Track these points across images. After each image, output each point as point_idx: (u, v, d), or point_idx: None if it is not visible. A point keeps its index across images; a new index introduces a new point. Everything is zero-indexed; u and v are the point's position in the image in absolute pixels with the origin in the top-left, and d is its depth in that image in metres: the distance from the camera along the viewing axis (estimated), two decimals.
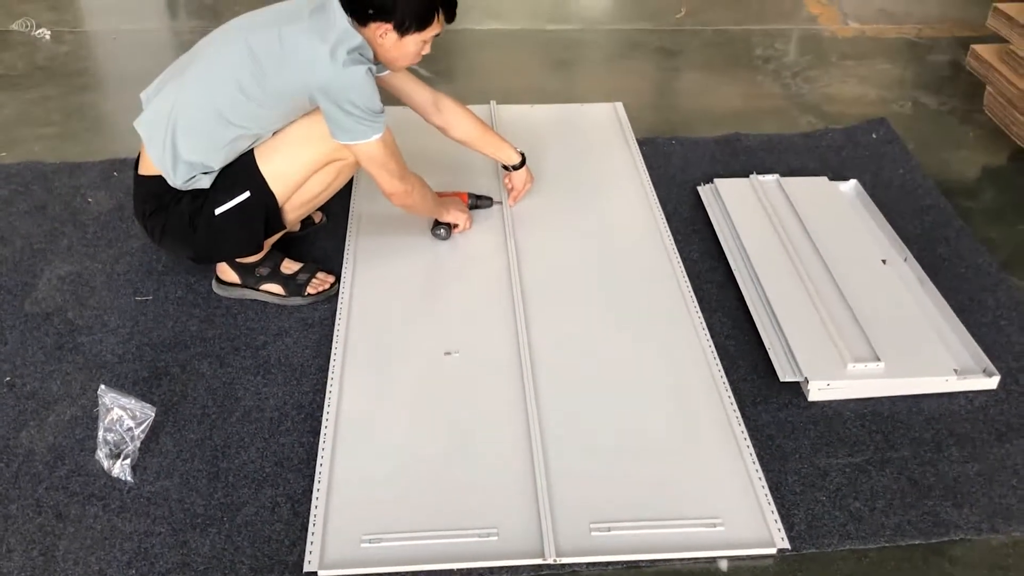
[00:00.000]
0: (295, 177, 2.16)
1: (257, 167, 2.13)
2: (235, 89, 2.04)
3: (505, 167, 2.65)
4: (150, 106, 2.15)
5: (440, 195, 2.50)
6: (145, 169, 2.17)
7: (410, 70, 2.38)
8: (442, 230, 2.52)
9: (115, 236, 2.57)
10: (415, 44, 2.10)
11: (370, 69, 2.03)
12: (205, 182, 2.13)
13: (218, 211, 2.13)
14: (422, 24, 2.06)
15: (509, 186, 2.68)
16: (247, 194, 2.13)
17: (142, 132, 2.15)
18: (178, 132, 2.09)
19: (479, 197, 2.66)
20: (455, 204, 2.54)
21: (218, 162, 2.12)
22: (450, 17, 2.12)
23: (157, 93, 2.16)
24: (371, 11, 2.02)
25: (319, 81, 2.00)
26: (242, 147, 2.13)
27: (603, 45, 3.90)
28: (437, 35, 2.13)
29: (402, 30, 2.05)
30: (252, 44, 2.04)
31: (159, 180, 2.14)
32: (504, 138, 2.59)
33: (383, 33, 2.05)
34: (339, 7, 2.03)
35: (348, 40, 2.01)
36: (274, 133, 2.15)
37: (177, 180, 2.12)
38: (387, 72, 2.32)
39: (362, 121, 2.06)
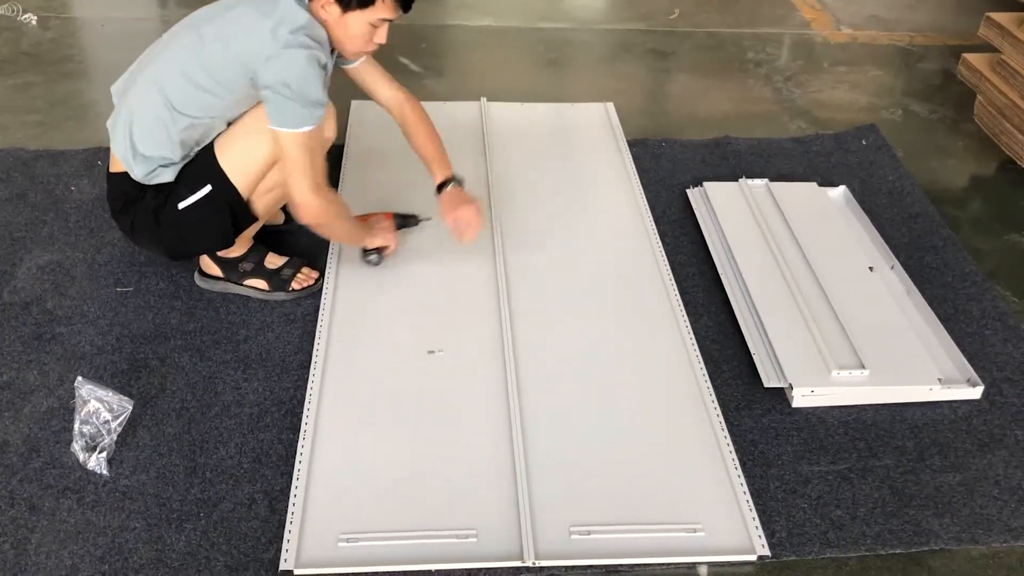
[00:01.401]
0: (254, 168, 2.10)
1: (216, 160, 2.09)
2: (183, 78, 2.01)
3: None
4: (118, 99, 2.14)
5: (362, 218, 2.40)
6: (114, 166, 2.15)
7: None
8: (373, 256, 2.39)
9: (97, 226, 2.54)
10: (360, 25, 2.01)
11: (316, 57, 1.94)
12: (166, 175, 2.10)
13: (181, 205, 2.10)
14: (364, 1, 1.97)
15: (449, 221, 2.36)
16: (208, 187, 2.09)
17: (108, 127, 2.14)
18: (134, 126, 2.07)
19: (406, 217, 2.52)
20: (381, 226, 2.40)
21: (176, 154, 2.08)
22: (403, 4, 2.01)
23: (123, 87, 2.14)
24: None
25: (257, 60, 1.93)
26: (197, 137, 2.09)
27: (595, 45, 3.89)
28: (389, 21, 2.04)
29: (344, 5, 1.97)
30: (201, 31, 2.01)
31: (125, 176, 2.12)
32: (446, 157, 2.40)
33: (324, 5, 1.97)
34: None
35: (291, 19, 1.92)
36: (230, 123, 2.10)
37: (138, 174, 2.09)
38: (354, 64, 2.28)
39: (292, 106, 1.95)
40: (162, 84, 2.03)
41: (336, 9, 1.98)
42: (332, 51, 2.09)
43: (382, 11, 2.00)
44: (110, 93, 2.17)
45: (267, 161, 2.10)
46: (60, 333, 2.19)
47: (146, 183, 2.11)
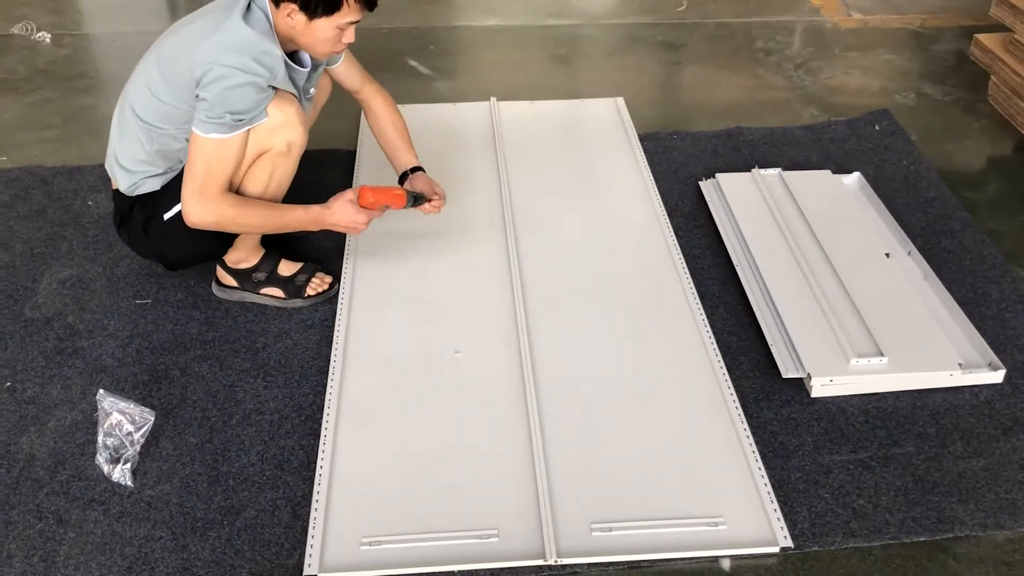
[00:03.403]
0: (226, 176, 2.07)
1: None
2: (146, 89, 2.05)
3: (402, 175, 2.39)
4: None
5: (369, 191, 2.17)
6: (113, 182, 2.23)
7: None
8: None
9: (115, 239, 2.56)
10: (327, 30, 1.99)
11: (253, 82, 1.94)
12: (150, 185, 2.15)
13: (166, 216, 2.14)
14: (330, 8, 1.95)
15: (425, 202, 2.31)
16: None
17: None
18: (114, 138, 2.14)
19: (417, 196, 2.27)
20: (338, 205, 2.15)
21: (159, 165, 2.12)
22: (368, 4, 2.00)
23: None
24: None
25: (198, 69, 1.93)
26: (172, 148, 2.11)
27: (603, 40, 3.88)
28: (355, 22, 2.02)
29: (309, 12, 1.95)
30: (163, 45, 2.06)
31: (118, 191, 2.20)
32: (411, 146, 2.42)
33: (290, 13, 1.97)
34: (260, 1, 1.98)
35: (236, 38, 1.93)
36: None
37: (122, 186, 2.16)
38: (336, 64, 2.32)
39: (207, 110, 1.95)
40: (131, 96, 2.10)
41: (302, 17, 1.97)
42: (303, 57, 2.12)
43: (348, 15, 1.98)
44: None
45: (238, 168, 2.08)
46: (81, 347, 2.22)
47: (131, 195, 2.16)
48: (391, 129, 2.42)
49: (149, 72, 2.06)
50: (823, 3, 4.15)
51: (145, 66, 2.10)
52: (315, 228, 2.20)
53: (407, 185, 2.34)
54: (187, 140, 2.06)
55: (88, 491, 1.87)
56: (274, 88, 2.03)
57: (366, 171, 2.82)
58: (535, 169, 2.85)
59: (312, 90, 2.25)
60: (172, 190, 2.12)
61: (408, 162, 2.40)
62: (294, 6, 1.95)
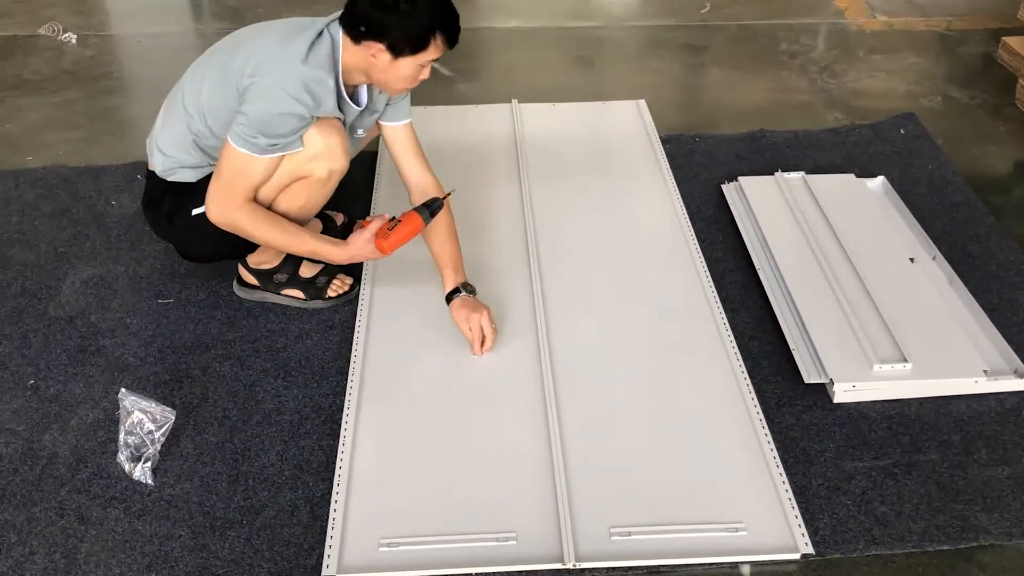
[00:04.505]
0: (264, 193, 2.07)
1: None
2: (200, 81, 2.08)
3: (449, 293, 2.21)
4: None
5: (389, 227, 2.11)
6: (149, 162, 2.24)
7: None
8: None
9: (138, 239, 2.59)
10: (411, 68, 1.97)
11: (297, 113, 1.94)
12: (184, 175, 2.16)
13: (194, 212, 2.15)
14: (416, 48, 1.94)
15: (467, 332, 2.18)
16: None
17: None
18: (160, 121, 2.18)
19: (430, 206, 2.14)
20: (352, 242, 2.12)
21: (192, 156, 2.14)
22: (451, 42, 1.98)
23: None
24: (363, 28, 1.92)
25: (249, 69, 1.95)
26: (209, 143, 2.11)
27: (626, 42, 3.87)
28: (435, 60, 2.01)
29: (396, 52, 1.93)
30: (238, 46, 2.05)
31: (154, 173, 2.21)
32: (461, 262, 2.22)
33: (375, 53, 1.95)
34: (334, 29, 1.98)
35: (295, 63, 1.93)
36: None
37: (158, 168, 2.18)
38: (396, 124, 2.22)
39: (245, 124, 1.94)
40: (186, 84, 2.12)
41: (387, 56, 1.95)
42: (359, 95, 2.11)
43: (433, 53, 1.97)
44: (149, 108, 2.23)
45: (273, 190, 2.09)
46: (104, 346, 2.23)
47: (165, 179, 2.17)
48: (446, 245, 2.21)
49: (211, 67, 2.08)
50: (847, 5, 4.12)
51: (210, 60, 2.11)
52: (326, 262, 2.19)
53: (455, 313, 2.17)
54: (222, 135, 2.05)
55: (109, 489, 1.89)
56: (316, 118, 2.01)
57: (385, 184, 2.83)
58: (556, 171, 2.85)
59: (361, 132, 2.23)
60: (202, 188, 2.11)
61: (453, 282, 2.20)
62: (381, 46, 1.94)
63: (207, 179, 2.11)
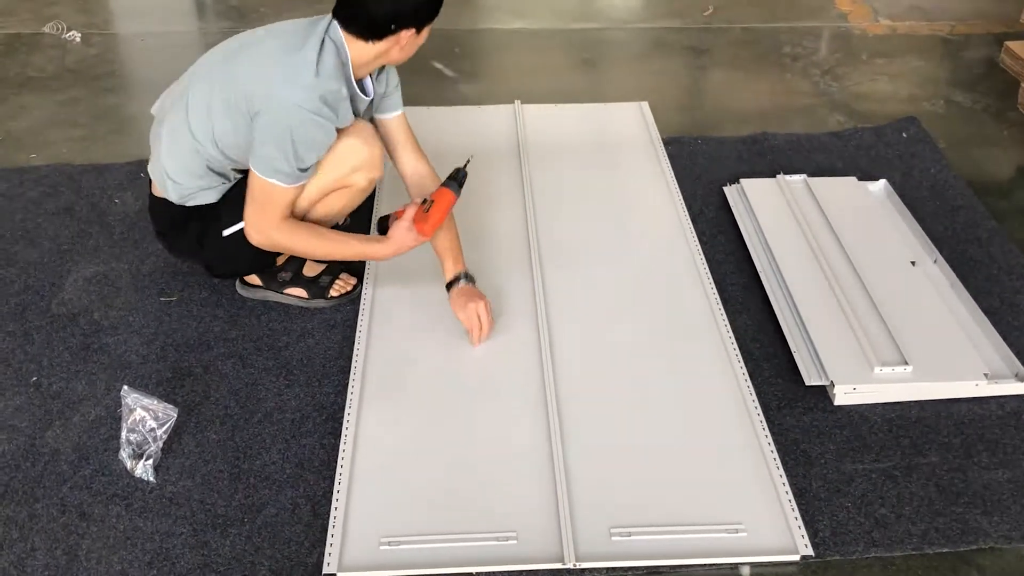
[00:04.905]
0: (301, 204, 2.08)
1: None
2: (205, 111, 2.01)
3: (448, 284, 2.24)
4: (154, 120, 2.18)
5: (431, 216, 2.09)
6: (155, 188, 2.19)
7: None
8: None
9: (141, 237, 2.59)
10: (428, 31, 2.00)
11: (320, 124, 1.92)
12: (204, 197, 2.12)
13: (225, 233, 2.13)
14: (435, 11, 1.96)
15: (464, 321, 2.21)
16: None
17: (151, 144, 2.19)
18: (164, 151, 2.09)
19: (457, 178, 2.13)
20: (389, 243, 2.12)
21: (210, 180, 2.10)
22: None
23: (159, 109, 2.18)
24: (393, 26, 1.92)
25: (257, 100, 1.91)
26: (225, 167, 2.09)
27: (629, 44, 3.87)
28: None
29: (421, 26, 1.96)
30: (231, 63, 2.00)
31: (167, 201, 2.15)
32: (460, 251, 2.23)
33: (407, 38, 1.96)
34: (334, 34, 1.95)
35: (306, 73, 1.89)
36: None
37: (173, 197, 2.13)
38: (389, 116, 2.20)
39: (275, 157, 1.93)
40: (189, 115, 2.04)
41: (412, 32, 1.95)
42: (366, 85, 2.08)
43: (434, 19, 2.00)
44: (151, 106, 2.22)
45: (314, 197, 2.08)
46: (106, 343, 2.24)
47: (185, 204, 2.13)
48: (445, 234, 2.20)
49: (214, 92, 2.00)
50: (851, 9, 4.13)
51: (206, 84, 2.03)
52: (373, 260, 2.17)
53: (453, 301, 2.20)
54: (238, 158, 2.05)
55: (111, 486, 1.89)
56: (338, 130, 2.00)
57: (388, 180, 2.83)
58: (558, 172, 2.85)
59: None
60: (231, 208, 2.09)
61: (453, 271, 2.22)
62: (411, 31, 1.94)
63: (229, 195, 2.11)
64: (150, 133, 2.20)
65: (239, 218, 2.08)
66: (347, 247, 2.14)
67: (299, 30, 1.98)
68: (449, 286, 2.21)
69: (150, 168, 2.17)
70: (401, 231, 2.10)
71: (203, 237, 2.16)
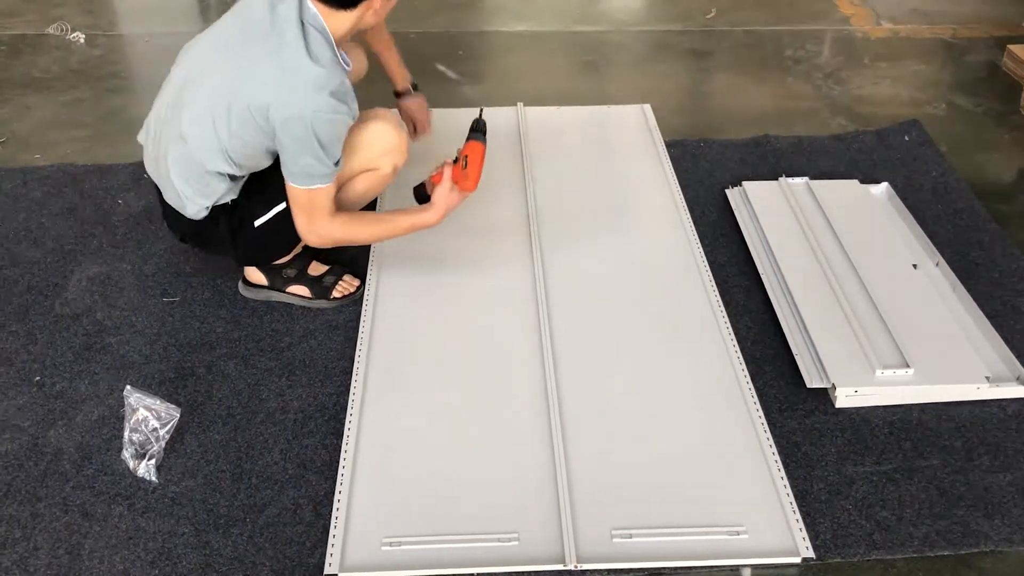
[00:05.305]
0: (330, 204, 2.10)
1: None
2: (215, 144, 2.01)
3: (396, 94, 2.69)
4: (147, 149, 2.19)
5: (469, 171, 2.21)
6: (167, 199, 2.20)
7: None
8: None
9: (144, 237, 2.60)
10: None
11: (344, 120, 1.96)
12: (227, 198, 2.14)
13: (258, 223, 2.17)
14: None
15: (410, 121, 2.70)
16: (283, 204, 2.13)
17: (151, 174, 2.20)
18: (177, 183, 2.10)
19: (477, 128, 2.28)
20: (437, 207, 2.19)
21: (226, 185, 2.11)
22: None
23: (147, 135, 2.18)
24: None
25: (275, 115, 1.92)
26: (242, 174, 2.12)
27: (631, 47, 3.88)
28: None
29: None
30: (216, 79, 2.00)
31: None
32: (402, 64, 2.65)
33: (376, 8, 2.00)
34: (309, 16, 1.94)
35: (310, 70, 1.90)
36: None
37: (191, 213, 2.14)
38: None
39: (314, 165, 1.96)
40: (197, 153, 2.04)
41: None
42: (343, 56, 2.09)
43: None
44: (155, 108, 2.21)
45: (341, 181, 2.11)
46: (109, 343, 2.24)
47: (211, 207, 2.14)
48: (391, 43, 2.59)
49: (216, 123, 1.99)
50: (853, 12, 4.13)
51: (203, 111, 2.01)
52: (425, 228, 2.22)
53: (405, 104, 2.68)
54: (256, 164, 2.09)
55: (113, 486, 1.90)
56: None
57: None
58: (561, 175, 2.85)
59: None
60: (260, 198, 2.14)
61: (406, 79, 2.66)
62: None
63: (253, 186, 2.15)
64: (144, 157, 2.21)
65: (270, 206, 2.14)
66: (399, 223, 2.20)
67: (267, 23, 1.94)
68: (401, 94, 2.63)
69: (165, 196, 2.18)
70: (444, 193, 2.16)
71: (236, 233, 2.19)
